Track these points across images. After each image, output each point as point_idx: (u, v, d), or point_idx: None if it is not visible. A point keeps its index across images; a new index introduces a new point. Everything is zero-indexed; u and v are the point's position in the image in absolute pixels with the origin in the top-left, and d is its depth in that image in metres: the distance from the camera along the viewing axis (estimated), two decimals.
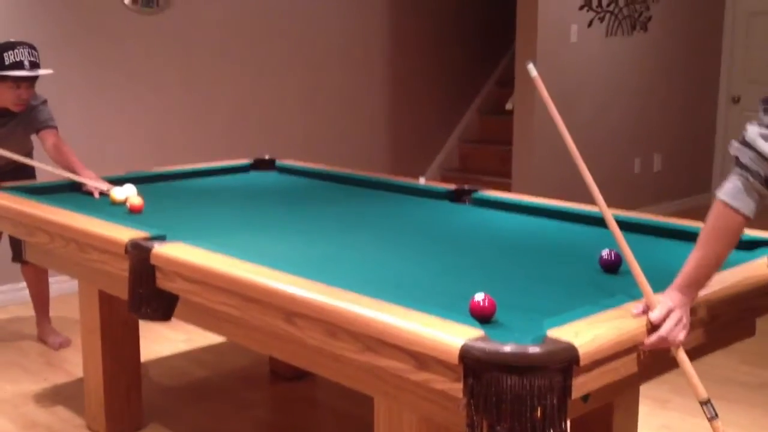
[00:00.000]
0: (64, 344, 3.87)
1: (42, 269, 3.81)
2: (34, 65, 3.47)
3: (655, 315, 1.67)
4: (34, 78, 3.50)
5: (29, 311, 4.13)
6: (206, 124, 5.23)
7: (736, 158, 1.63)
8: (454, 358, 1.53)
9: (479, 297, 1.72)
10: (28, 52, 3.46)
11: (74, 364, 3.59)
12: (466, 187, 3.13)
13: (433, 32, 6.56)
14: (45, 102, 3.63)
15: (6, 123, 3.56)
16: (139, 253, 2.31)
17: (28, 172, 3.63)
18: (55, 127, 3.61)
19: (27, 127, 3.59)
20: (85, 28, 4.67)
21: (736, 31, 7.14)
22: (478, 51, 6.93)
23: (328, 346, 1.83)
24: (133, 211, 2.86)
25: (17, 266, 3.87)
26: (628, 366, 1.67)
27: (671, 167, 6.89)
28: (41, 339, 3.95)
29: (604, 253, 2.13)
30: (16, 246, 3.67)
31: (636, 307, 1.71)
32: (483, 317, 1.70)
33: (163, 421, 3.13)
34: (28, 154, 3.70)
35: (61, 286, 4.36)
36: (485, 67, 7.05)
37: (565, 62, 5.82)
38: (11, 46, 3.44)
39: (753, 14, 7.01)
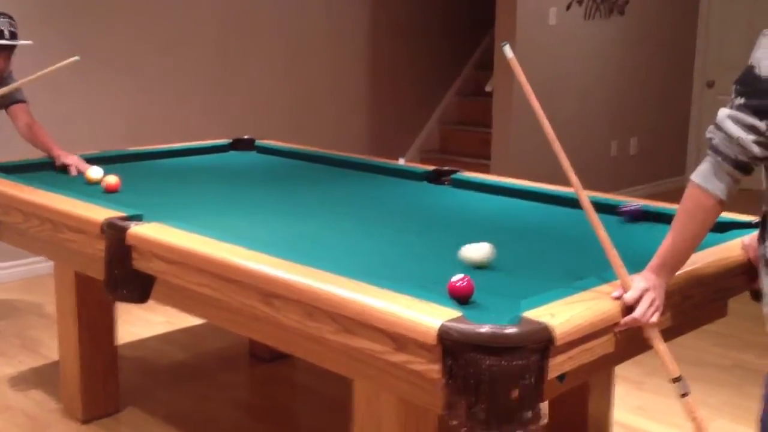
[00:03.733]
0: None
1: None
2: (13, 35, 3.39)
3: (629, 296, 1.69)
4: (12, 48, 3.41)
5: (4, 293, 4.09)
6: (186, 104, 5.18)
7: (709, 141, 1.65)
8: (432, 339, 1.53)
9: (457, 278, 1.73)
10: (8, 23, 3.36)
11: (50, 347, 3.56)
12: (446, 168, 3.14)
13: (414, 14, 6.54)
14: (11, 73, 3.48)
15: None
16: (115, 233, 2.29)
17: None
18: (26, 102, 3.49)
19: None
20: (61, 4, 4.60)
21: (712, 16, 7.18)
22: (458, 33, 6.91)
23: (307, 328, 1.83)
24: (110, 191, 2.83)
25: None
26: (603, 346, 1.69)
27: (647, 150, 6.94)
28: None
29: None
30: None
31: (614, 289, 1.73)
32: (461, 298, 1.71)
33: (140, 404, 3.12)
34: None
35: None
36: (465, 49, 7.04)
37: (544, 45, 5.83)
38: None
39: None
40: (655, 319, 1.70)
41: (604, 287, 1.77)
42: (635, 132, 6.81)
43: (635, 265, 1.77)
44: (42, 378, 3.34)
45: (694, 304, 1.93)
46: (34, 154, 3.32)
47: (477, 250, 2.01)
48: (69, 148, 3.32)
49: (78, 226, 2.46)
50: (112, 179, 2.87)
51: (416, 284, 1.80)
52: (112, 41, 4.82)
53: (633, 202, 2.50)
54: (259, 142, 3.85)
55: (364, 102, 6.29)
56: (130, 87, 4.92)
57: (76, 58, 3.09)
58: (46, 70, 3.11)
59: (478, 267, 1.99)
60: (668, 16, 6.90)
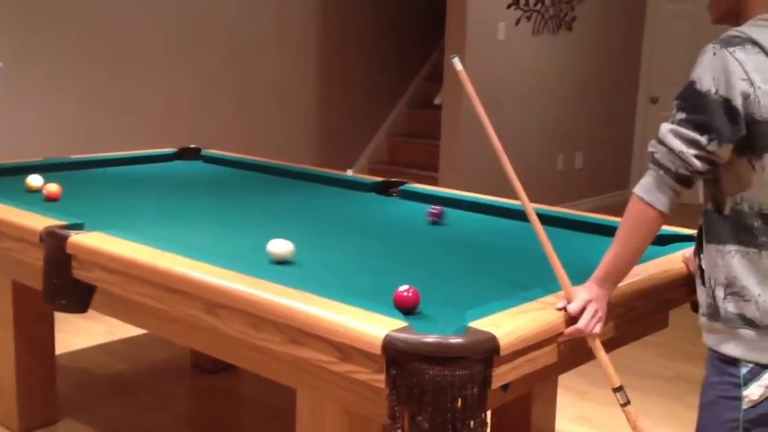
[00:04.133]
0: None
1: None
2: None
3: (572, 307, 1.71)
4: None
5: None
6: (133, 112, 5.10)
7: (651, 155, 1.68)
8: (377, 349, 1.53)
9: (403, 288, 1.73)
10: None
11: None
12: (394, 179, 3.15)
13: (364, 26, 6.56)
14: None
15: None
16: (54, 241, 2.24)
17: None
18: None
19: None
20: (2, 10, 4.49)
21: (656, 34, 7.37)
22: (408, 46, 6.96)
23: (251, 338, 1.81)
24: (50, 199, 2.77)
25: None
26: (547, 357, 1.70)
27: (592, 165, 7.07)
28: None
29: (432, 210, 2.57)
30: None
31: (558, 300, 1.75)
32: (407, 309, 1.71)
33: (78, 415, 3.04)
34: None
35: None
36: (415, 62, 7.09)
37: (493, 59, 5.90)
38: None
39: (673, 18, 7.25)
40: (597, 329, 1.72)
41: (549, 298, 1.78)
42: (581, 146, 6.93)
43: (579, 276, 1.79)
44: None
45: (637, 316, 1.96)
46: None
47: (279, 246, 2.11)
48: (10, 155, 3.24)
49: (17, 234, 2.41)
50: (52, 187, 2.81)
51: (362, 295, 1.79)
52: (55, 48, 4.72)
53: (436, 208, 2.69)
54: (205, 151, 3.80)
55: (313, 112, 6.28)
56: (73, 94, 4.83)
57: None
58: None
59: (280, 262, 2.09)
60: (614, 33, 7.06)
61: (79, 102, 4.85)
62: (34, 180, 2.92)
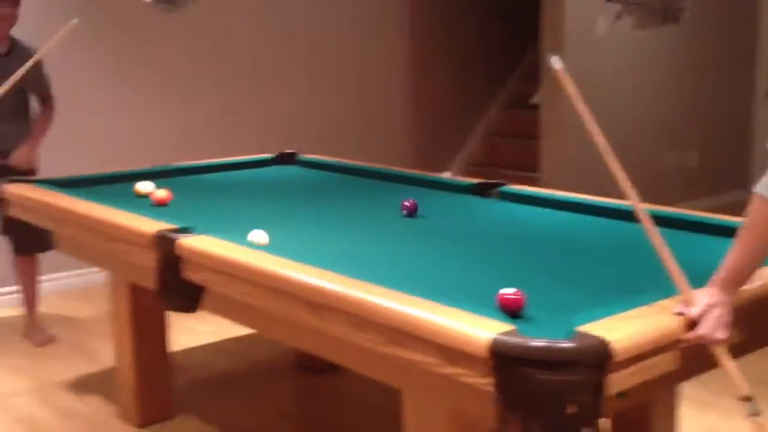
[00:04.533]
0: (47, 342, 3.83)
1: (34, 266, 3.84)
2: None
3: (694, 311, 1.62)
4: None
5: (61, 302, 4.15)
6: (229, 119, 5.22)
7: None
8: (484, 353, 1.49)
9: (508, 291, 1.69)
10: None
11: (105, 353, 3.60)
12: (492, 181, 3.08)
13: (456, 24, 6.48)
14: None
15: None
16: (165, 244, 2.31)
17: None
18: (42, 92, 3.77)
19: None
20: (112, 24, 4.70)
21: None
22: (502, 43, 6.82)
23: (355, 339, 1.80)
24: (159, 204, 2.86)
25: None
26: (665, 364, 1.61)
27: (707, 163, 6.74)
28: (25, 335, 3.91)
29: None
30: (23, 236, 3.57)
31: (676, 304, 1.67)
32: (512, 312, 1.66)
33: (191, 412, 3.13)
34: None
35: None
36: (510, 60, 6.95)
37: (593, 56, 5.71)
38: None
39: None
40: (722, 335, 1.62)
41: (664, 302, 1.70)
42: (694, 143, 6.63)
43: (697, 280, 1.70)
44: (98, 384, 3.38)
45: (762, 321, 1.84)
46: (85, 170, 3.39)
47: (262, 236, 2.29)
48: (124, 163, 3.38)
49: (131, 238, 2.50)
50: (161, 193, 2.91)
51: (465, 297, 1.76)
52: (162, 62, 4.91)
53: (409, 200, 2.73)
54: (301, 156, 3.85)
55: (407, 114, 6.23)
56: (177, 105, 5.00)
57: (75, 21, 3.05)
58: (50, 43, 3.11)
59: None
60: (726, 22, 6.72)
61: (182, 112, 5.02)
62: (144, 186, 3.03)
